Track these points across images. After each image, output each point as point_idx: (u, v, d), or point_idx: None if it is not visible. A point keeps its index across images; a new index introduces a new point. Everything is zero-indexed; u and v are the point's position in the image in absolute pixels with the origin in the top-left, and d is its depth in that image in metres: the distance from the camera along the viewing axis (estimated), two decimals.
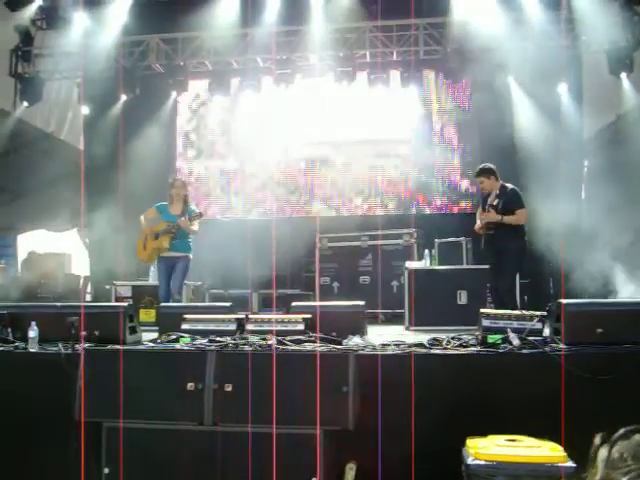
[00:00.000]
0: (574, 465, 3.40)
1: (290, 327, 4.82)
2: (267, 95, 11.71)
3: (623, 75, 10.07)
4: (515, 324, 4.56)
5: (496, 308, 6.34)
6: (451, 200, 11.86)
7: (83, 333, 4.61)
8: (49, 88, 11.68)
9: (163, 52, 11.48)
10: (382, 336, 5.45)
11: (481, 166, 7.38)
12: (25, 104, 11.24)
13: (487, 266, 7.40)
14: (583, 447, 3.54)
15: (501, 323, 4.58)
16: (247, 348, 4.19)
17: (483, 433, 3.72)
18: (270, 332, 4.65)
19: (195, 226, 7.68)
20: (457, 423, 4.00)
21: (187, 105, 12.83)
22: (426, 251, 8.70)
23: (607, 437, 2.65)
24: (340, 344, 4.57)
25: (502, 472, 3.42)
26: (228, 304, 5.90)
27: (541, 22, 10.03)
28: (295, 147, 12.30)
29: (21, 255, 13.37)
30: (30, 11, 11.09)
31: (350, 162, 12.21)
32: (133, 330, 5.03)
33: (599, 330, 4.32)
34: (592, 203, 10.25)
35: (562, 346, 4.31)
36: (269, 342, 4.39)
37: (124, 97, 11.71)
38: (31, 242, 13.68)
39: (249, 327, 4.92)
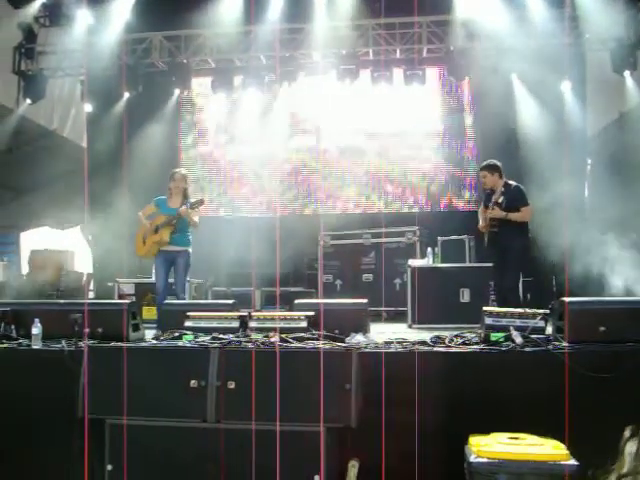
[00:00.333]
0: (576, 463, 3.40)
1: (293, 325, 4.82)
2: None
3: (626, 73, 10.06)
4: (518, 322, 4.56)
5: (499, 306, 6.34)
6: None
7: (86, 330, 4.62)
8: (52, 85, 11.69)
9: (166, 49, 11.48)
10: (385, 334, 5.46)
11: (486, 161, 7.38)
12: (28, 101, 11.25)
13: (490, 264, 7.39)
14: (586, 445, 3.55)
15: (504, 321, 4.58)
16: (250, 345, 4.20)
17: (486, 431, 3.73)
18: (273, 330, 4.65)
19: (196, 217, 7.47)
20: (460, 421, 4.00)
21: (192, 101, 12.84)
22: (429, 249, 8.71)
23: (636, 430, 2.64)
24: (343, 342, 4.57)
25: (504, 470, 3.43)
26: (231, 301, 5.90)
27: (544, 19, 10.02)
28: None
29: (24, 253, 13.40)
30: (33, 8, 11.10)
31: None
32: (136, 327, 5.03)
33: (602, 328, 4.32)
34: (595, 201, 10.24)
35: (565, 344, 4.30)
36: (272, 339, 4.40)
37: (127, 94, 11.70)
38: (34, 239, 13.72)
39: (252, 324, 4.91)
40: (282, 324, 4.82)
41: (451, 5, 10.42)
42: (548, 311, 4.78)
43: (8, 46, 11.13)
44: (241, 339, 4.45)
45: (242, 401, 3.74)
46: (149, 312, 8.48)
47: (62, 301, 5.76)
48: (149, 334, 5.39)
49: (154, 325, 6.63)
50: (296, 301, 5.58)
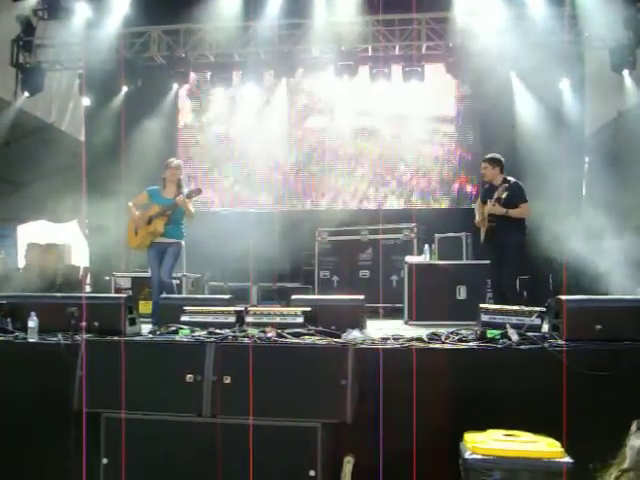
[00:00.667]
0: (571, 460, 3.41)
1: (289, 320, 4.83)
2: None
3: (625, 72, 10.05)
4: (514, 320, 4.57)
5: (496, 303, 6.34)
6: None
7: (83, 324, 4.62)
8: (50, 78, 11.65)
9: (165, 44, 11.45)
10: (381, 330, 5.46)
11: (490, 154, 7.38)
12: (26, 94, 11.21)
13: (487, 261, 7.39)
14: (581, 442, 3.56)
15: (500, 318, 4.59)
16: (246, 340, 4.20)
17: (481, 428, 3.74)
18: (269, 325, 4.66)
19: (192, 207, 7.31)
20: (455, 418, 4.01)
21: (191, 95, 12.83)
22: (426, 246, 8.70)
23: None
24: (339, 337, 4.58)
25: (499, 466, 3.44)
26: (228, 296, 5.91)
27: (544, 18, 10.01)
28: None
29: (21, 246, 13.38)
30: (32, 1, 11.06)
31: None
32: (132, 321, 5.04)
33: (598, 326, 4.33)
34: (593, 199, 10.25)
35: (561, 342, 4.31)
36: (268, 335, 4.41)
37: (125, 88, 11.68)
38: (31, 233, 13.69)
39: (248, 320, 4.92)
40: (279, 319, 4.83)
41: (450, 2, 10.41)
42: (544, 309, 4.79)
43: (6, 39, 11.07)
44: (237, 334, 4.46)
45: (238, 396, 3.74)
46: (145, 306, 8.47)
47: (59, 294, 5.75)
48: (145, 328, 5.39)
49: (150, 319, 6.64)
50: (293, 297, 5.58)
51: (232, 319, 4.95)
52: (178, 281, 8.45)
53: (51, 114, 12.20)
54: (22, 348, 4.60)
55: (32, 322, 4.64)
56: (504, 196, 6.95)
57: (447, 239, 9.08)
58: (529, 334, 4.38)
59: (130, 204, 7.46)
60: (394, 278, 9.79)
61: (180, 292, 8.54)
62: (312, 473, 3.65)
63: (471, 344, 4.43)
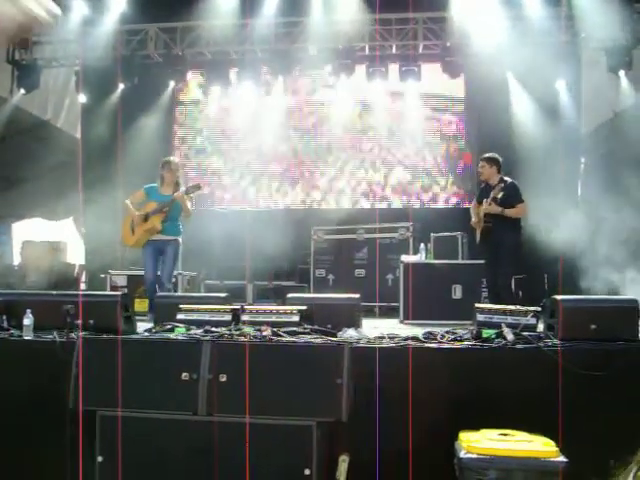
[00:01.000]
0: (566, 460, 3.42)
1: (285, 319, 4.83)
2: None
3: (621, 72, 10.09)
4: (509, 319, 4.58)
5: (491, 303, 6.35)
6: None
7: (79, 321, 4.61)
8: (46, 75, 11.64)
9: (162, 41, 11.45)
10: (377, 329, 5.47)
11: (489, 153, 7.40)
12: (22, 91, 11.20)
13: (482, 261, 7.41)
14: (577, 442, 3.57)
15: (495, 318, 4.60)
16: (242, 339, 4.20)
17: (476, 427, 3.74)
18: (265, 323, 4.66)
19: (190, 204, 7.32)
20: (451, 417, 4.01)
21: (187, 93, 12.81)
22: (422, 245, 8.72)
23: None
24: (335, 336, 4.58)
25: (494, 466, 3.44)
26: (223, 295, 5.90)
27: (540, 18, 10.05)
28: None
29: (16, 243, 13.33)
30: None
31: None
32: (128, 319, 5.03)
33: (593, 326, 4.33)
34: (588, 200, 10.27)
35: (556, 342, 4.32)
36: (264, 333, 4.40)
37: (122, 86, 11.68)
38: (26, 230, 13.64)
39: (244, 318, 4.92)
40: (274, 318, 4.82)
41: (447, 2, 10.44)
42: (540, 308, 4.80)
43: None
44: (233, 332, 4.45)
45: (233, 394, 3.74)
46: (141, 304, 8.45)
47: (54, 292, 5.73)
48: (141, 326, 5.38)
49: (146, 317, 6.63)
50: (289, 295, 5.59)
51: (228, 317, 4.94)
52: (174, 279, 8.44)
53: (47, 111, 12.17)
54: (17, 346, 4.58)
55: (27, 320, 4.62)
56: (500, 196, 6.98)
57: (443, 238, 9.09)
58: (524, 334, 4.39)
59: (127, 201, 7.45)
60: (390, 277, 9.81)
61: (176, 290, 8.52)
62: (307, 472, 3.65)
63: (466, 343, 4.43)
